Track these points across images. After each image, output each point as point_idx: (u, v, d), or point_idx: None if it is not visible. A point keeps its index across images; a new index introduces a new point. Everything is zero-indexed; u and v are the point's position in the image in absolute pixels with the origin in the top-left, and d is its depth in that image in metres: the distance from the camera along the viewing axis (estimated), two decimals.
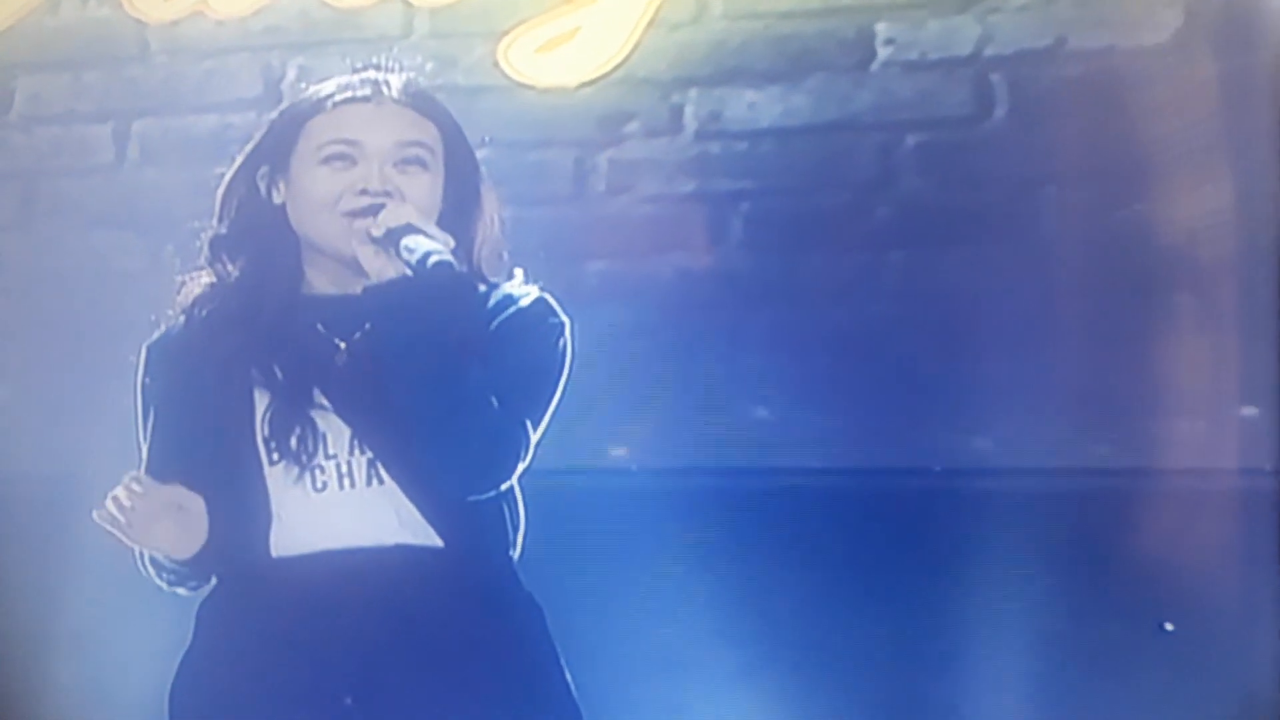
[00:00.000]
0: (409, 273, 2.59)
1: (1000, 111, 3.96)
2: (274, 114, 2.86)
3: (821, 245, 4.03)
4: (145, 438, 2.81)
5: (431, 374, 2.60)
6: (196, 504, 2.68)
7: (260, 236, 2.76)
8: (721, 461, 3.96)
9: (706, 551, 3.90)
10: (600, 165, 4.17)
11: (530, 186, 3.93)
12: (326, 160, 2.73)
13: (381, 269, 2.63)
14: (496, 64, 4.12)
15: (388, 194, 2.68)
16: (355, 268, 2.68)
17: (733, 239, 4.10)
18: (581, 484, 3.76)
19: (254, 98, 4.33)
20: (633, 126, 4.16)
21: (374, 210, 2.66)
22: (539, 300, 2.77)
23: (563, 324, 2.77)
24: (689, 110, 4.14)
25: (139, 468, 2.75)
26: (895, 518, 3.88)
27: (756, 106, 4.10)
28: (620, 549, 3.85)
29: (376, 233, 2.63)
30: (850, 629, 3.85)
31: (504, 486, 2.73)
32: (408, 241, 2.60)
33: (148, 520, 2.63)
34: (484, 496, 2.71)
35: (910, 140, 4.00)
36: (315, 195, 2.71)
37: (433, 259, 2.56)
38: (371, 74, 2.80)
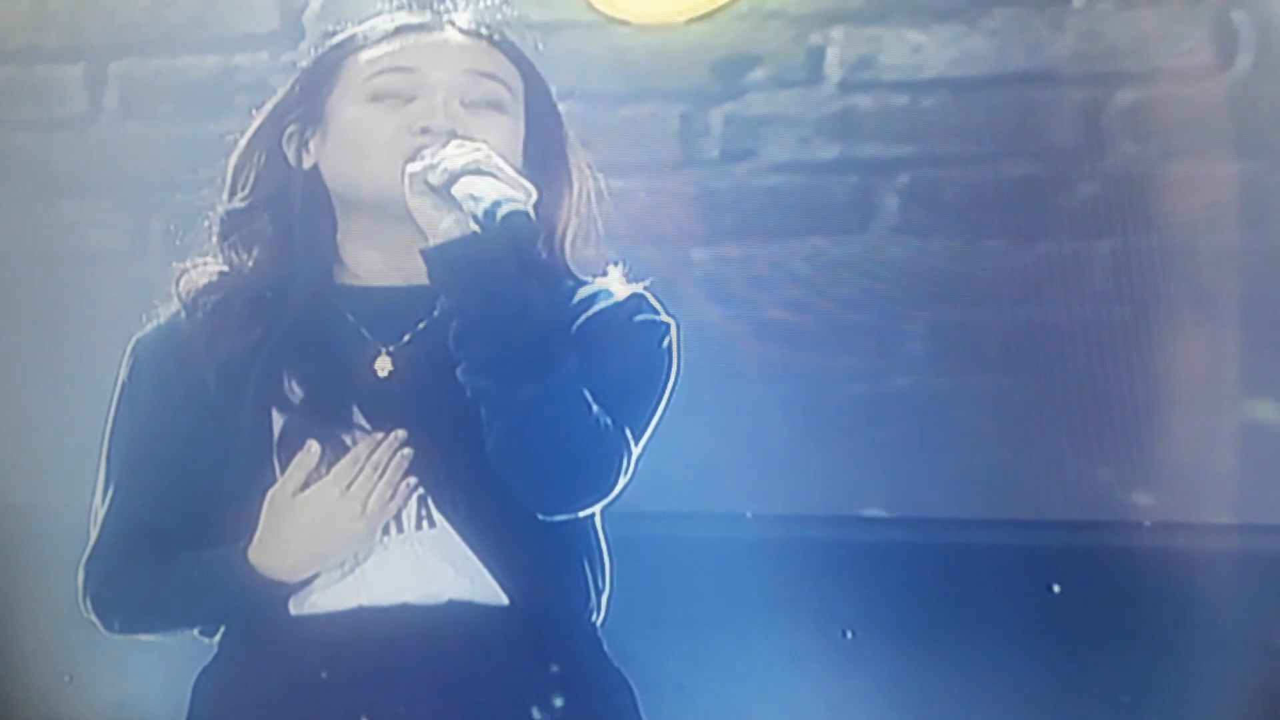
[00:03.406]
0: (477, 229, 2.44)
1: (1245, 60, 3.71)
2: (299, 59, 2.65)
3: (1003, 230, 3.80)
4: (109, 452, 2.64)
5: (508, 357, 2.44)
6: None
7: (284, 213, 2.61)
8: (860, 508, 3.83)
9: (837, 620, 3.75)
10: (714, 124, 3.94)
11: (624, 150, 3.80)
12: (376, 96, 2.56)
13: (442, 226, 2.46)
14: None
15: (455, 135, 2.51)
16: (410, 233, 2.51)
17: (886, 220, 3.87)
18: (681, 534, 3.68)
19: (268, 33, 4.16)
20: (758, 74, 3.93)
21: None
22: (636, 296, 2.64)
23: (667, 324, 2.63)
24: (831, 54, 3.91)
25: (100, 490, 2.61)
26: (1075, 581, 3.67)
27: (921, 50, 3.86)
28: (728, 615, 3.71)
29: (435, 179, 2.44)
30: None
31: (597, 507, 2.56)
32: (472, 188, 2.41)
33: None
34: (572, 515, 2.54)
35: (1123, 97, 3.76)
36: (360, 138, 2.55)
37: (503, 209, 2.37)
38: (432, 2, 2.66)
